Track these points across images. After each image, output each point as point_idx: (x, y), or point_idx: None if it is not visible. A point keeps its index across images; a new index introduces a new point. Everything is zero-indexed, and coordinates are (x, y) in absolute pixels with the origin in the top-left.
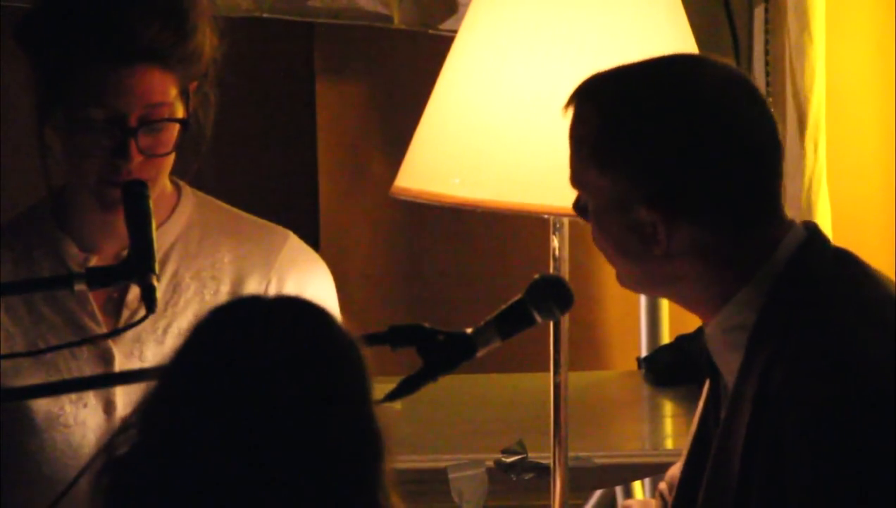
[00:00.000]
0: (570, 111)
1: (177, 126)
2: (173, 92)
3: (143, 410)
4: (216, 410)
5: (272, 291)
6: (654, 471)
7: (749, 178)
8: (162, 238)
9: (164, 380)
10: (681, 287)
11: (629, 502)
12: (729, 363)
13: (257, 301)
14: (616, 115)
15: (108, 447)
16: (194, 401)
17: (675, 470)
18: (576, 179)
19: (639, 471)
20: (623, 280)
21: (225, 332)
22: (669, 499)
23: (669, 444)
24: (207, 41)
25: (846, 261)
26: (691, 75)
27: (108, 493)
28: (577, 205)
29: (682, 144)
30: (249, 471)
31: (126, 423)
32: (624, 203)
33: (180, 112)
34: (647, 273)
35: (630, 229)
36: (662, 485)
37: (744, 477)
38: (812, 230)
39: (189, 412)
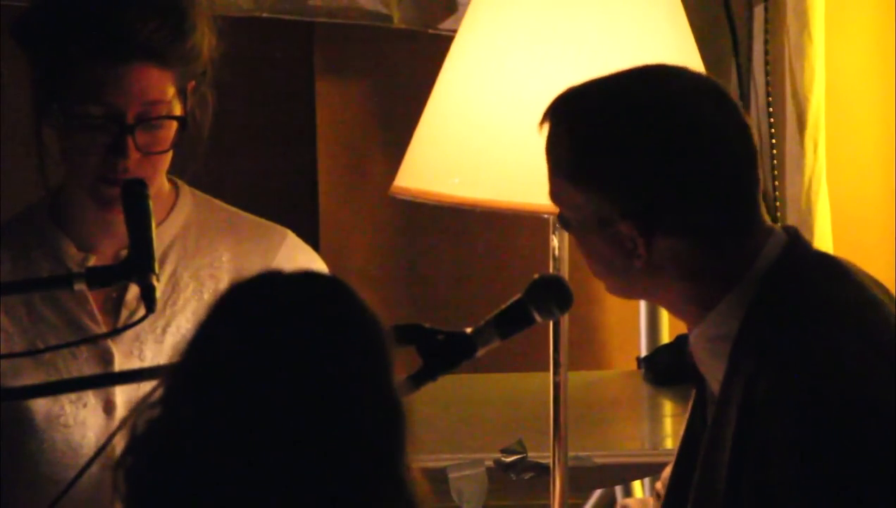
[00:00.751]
0: (545, 129)
1: (174, 124)
2: (171, 90)
3: (167, 387)
4: (241, 385)
5: None
6: (653, 471)
7: (725, 188)
8: (160, 237)
9: (188, 356)
10: (665, 297)
11: (627, 501)
12: (713, 371)
13: (278, 276)
14: (588, 133)
15: (131, 426)
16: (220, 376)
17: (669, 471)
18: (554, 196)
19: (638, 471)
20: (611, 289)
21: (249, 306)
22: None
23: (669, 444)
24: (206, 40)
25: (828, 265)
26: (662, 88)
27: (129, 474)
28: (561, 219)
29: (655, 160)
30: (273, 445)
31: (149, 402)
32: (603, 219)
33: (178, 111)
34: (631, 285)
35: (610, 243)
36: (658, 485)
37: (731, 483)
38: (793, 235)
39: (214, 387)
